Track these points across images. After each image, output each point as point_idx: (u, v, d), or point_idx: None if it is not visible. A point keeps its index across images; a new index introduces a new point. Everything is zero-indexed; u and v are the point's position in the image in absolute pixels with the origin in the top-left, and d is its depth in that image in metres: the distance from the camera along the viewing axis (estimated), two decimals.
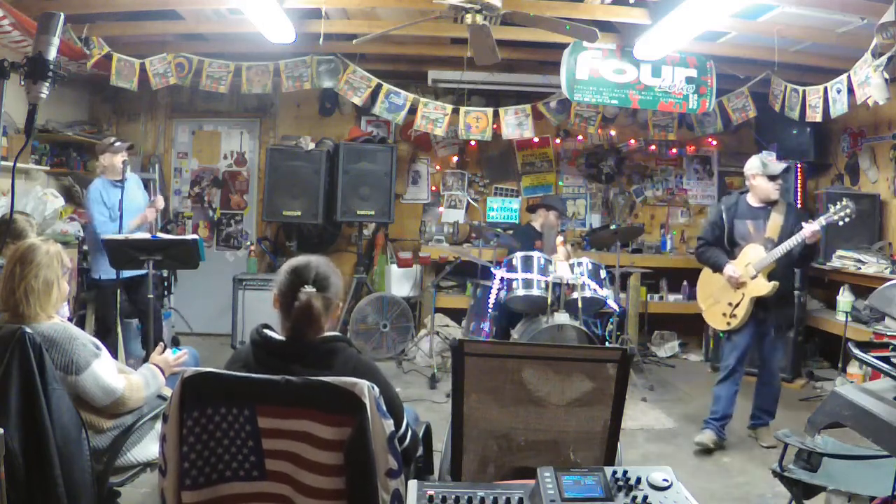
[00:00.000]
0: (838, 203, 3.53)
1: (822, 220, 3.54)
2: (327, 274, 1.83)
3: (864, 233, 5.25)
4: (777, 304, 3.76)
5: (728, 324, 3.86)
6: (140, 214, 4.38)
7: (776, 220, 3.77)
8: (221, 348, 5.57)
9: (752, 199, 3.88)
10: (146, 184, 5.17)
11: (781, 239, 3.69)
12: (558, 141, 6.64)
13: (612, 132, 6.56)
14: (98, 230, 4.15)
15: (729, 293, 3.85)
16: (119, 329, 4.25)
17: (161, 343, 2.67)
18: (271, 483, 1.65)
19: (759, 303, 3.75)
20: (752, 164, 3.86)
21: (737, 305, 3.80)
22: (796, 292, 5.12)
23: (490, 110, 5.43)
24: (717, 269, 3.88)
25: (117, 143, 4.34)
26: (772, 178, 3.79)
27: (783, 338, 3.82)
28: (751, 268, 3.74)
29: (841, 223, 3.53)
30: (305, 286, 1.74)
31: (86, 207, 4.44)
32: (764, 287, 3.69)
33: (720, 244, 3.91)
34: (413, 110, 5.34)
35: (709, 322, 4.06)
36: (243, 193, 6.62)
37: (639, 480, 1.47)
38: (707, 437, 3.80)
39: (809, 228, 3.50)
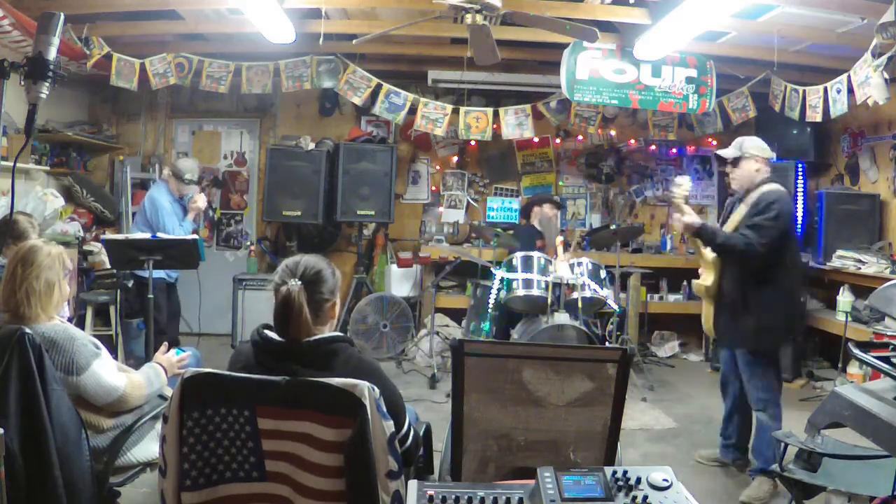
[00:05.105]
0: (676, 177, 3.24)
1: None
2: (317, 270, 1.81)
3: (864, 233, 5.25)
4: (732, 313, 3.28)
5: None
6: (193, 208, 4.68)
7: (740, 212, 3.31)
8: (221, 348, 5.57)
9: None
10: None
11: None
12: (558, 141, 6.64)
13: (612, 132, 6.56)
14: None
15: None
16: (120, 329, 4.26)
17: (165, 343, 2.67)
18: (271, 484, 1.65)
19: (717, 309, 3.36)
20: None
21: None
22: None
23: (490, 110, 5.42)
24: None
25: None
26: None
27: (758, 365, 3.24)
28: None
29: (684, 201, 3.21)
30: (291, 280, 1.75)
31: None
32: (703, 282, 3.39)
33: None
34: (413, 110, 5.33)
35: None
36: (243, 193, 6.62)
37: (639, 480, 1.47)
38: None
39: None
